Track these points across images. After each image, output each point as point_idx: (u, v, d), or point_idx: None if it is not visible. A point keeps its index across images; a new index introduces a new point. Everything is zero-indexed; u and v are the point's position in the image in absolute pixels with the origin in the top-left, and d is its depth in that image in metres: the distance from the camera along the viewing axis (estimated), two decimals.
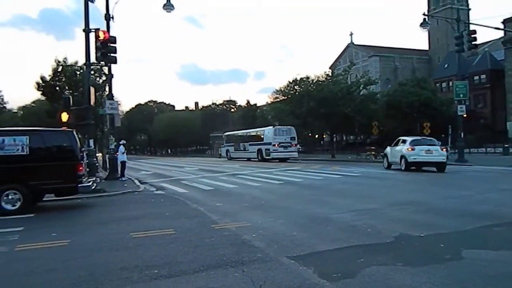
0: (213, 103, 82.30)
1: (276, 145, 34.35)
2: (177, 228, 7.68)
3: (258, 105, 59.89)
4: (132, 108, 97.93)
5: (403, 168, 19.71)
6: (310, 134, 57.74)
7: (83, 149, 11.28)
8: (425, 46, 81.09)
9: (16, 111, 73.01)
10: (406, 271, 4.87)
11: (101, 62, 15.79)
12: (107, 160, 22.64)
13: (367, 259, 5.38)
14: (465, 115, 25.62)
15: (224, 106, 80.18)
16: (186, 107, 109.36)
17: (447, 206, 9.43)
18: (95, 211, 10.81)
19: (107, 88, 24.20)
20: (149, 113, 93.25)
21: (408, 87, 32.26)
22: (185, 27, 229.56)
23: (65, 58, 36.89)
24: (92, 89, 15.39)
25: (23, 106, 71.69)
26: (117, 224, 8.44)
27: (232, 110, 73.54)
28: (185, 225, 7.98)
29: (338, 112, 35.68)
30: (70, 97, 16.72)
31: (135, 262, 5.51)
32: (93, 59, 15.29)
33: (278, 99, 51.46)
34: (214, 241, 6.57)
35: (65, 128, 11.86)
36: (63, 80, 36.31)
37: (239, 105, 68.93)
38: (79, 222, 9.07)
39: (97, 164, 17.82)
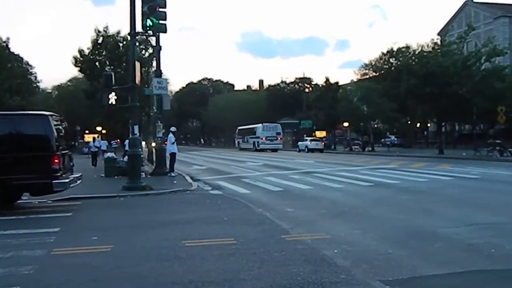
0: (282, 81, 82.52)
1: (264, 138, 55.26)
2: (238, 237, 7.87)
3: (340, 83, 58.82)
4: (183, 87, 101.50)
5: (306, 151, 48.79)
6: (410, 122, 55.87)
7: (61, 136, 11.54)
8: None
9: (50, 91, 79.05)
10: None
11: (149, 31, 16.27)
12: (154, 150, 23.67)
13: None
14: None
15: (296, 85, 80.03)
16: (248, 86, 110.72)
17: None
18: (141, 212, 11.42)
19: (154, 64, 25.40)
20: (203, 94, 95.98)
21: None
22: None
23: (106, 28, 39.23)
24: (137, 65, 16.08)
25: (58, 86, 77.59)
26: (166, 229, 8.85)
27: (307, 90, 73.07)
28: (248, 234, 8.16)
29: (450, 93, 34.21)
30: (112, 74, 17.49)
31: (189, 276, 5.74)
32: (138, 27, 15.81)
33: (367, 76, 50.32)
34: (285, 255, 6.64)
35: (38, 112, 12.11)
36: (103, 54, 38.70)
37: (316, 84, 68.20)
38: (123, 225, 9.65)
39: (142, 155, 18.73)
